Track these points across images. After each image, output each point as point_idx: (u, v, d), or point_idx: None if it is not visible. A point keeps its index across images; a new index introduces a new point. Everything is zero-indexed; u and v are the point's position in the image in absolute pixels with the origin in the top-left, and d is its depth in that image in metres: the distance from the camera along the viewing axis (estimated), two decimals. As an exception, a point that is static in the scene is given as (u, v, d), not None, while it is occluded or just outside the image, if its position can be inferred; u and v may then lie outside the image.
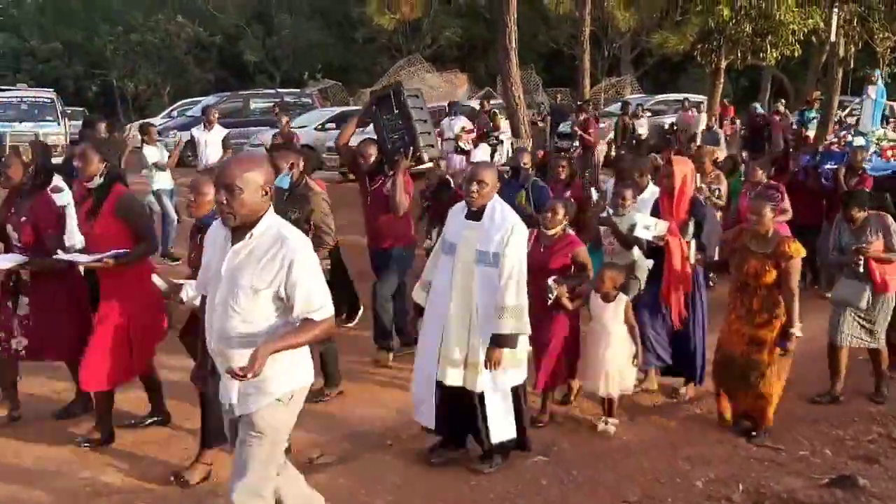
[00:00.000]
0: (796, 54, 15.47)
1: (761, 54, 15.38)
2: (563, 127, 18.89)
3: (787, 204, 8.30)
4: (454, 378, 4.73)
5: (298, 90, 26.98)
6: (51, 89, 21.62)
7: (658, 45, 16.22)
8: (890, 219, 6.21)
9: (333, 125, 19.26)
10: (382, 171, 6.71)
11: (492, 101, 18.46)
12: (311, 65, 36.21)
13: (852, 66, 20.40)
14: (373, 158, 6.75)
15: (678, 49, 15.99)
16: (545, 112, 20.84)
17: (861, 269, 6.05)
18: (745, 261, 5.40)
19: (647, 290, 6.05)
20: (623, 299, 5.59)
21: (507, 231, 4.62)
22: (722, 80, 17.21)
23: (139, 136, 11.61)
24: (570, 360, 5.68)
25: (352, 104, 25.64)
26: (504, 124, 16.35)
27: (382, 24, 15.82)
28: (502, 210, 4.73)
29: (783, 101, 22.56)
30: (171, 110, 25.53)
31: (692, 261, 5.80)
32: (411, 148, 6.45)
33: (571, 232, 5.90)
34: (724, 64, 16.09)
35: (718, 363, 5.65)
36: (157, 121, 23.02)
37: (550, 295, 5.33)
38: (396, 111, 6.45)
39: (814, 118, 18.22)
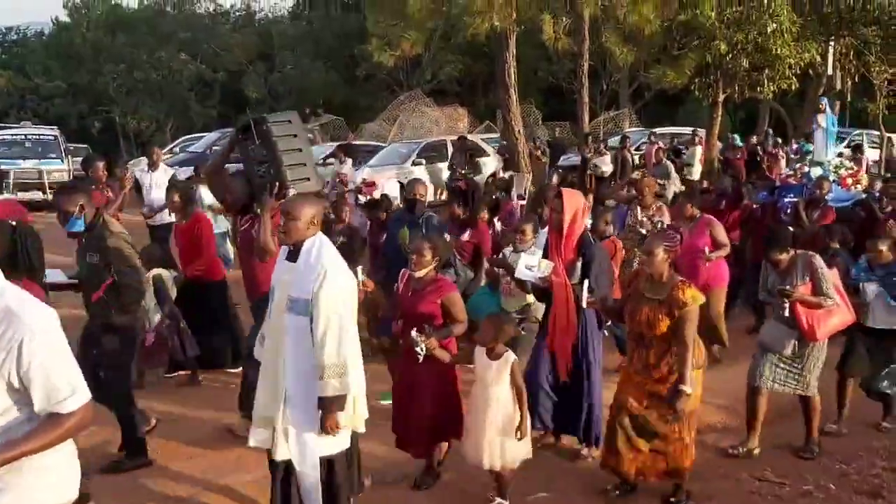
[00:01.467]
0: (793, 87, 15.60)
1: (758, 88, 15.50)
2: (563, 160, 19.05)
3: (723, 236, 7.61)
4: (266, 445, 4.22)
5: (300, 126, 27.14)
6: (54, 127, 21.85)
7: (656, 79, 16.35)
8: (819, 260, 5.70)
9: (333, 160, 19.43)
10: (252, 209, 5.83)
11: (479, 137, 18.63)
12: (312, 100, 36.52)
13: (849, 98, 20.60)
14: (240, 195, 5.83)
15: (676, 83, 16.10)
16: (542, 146, 21.00)
17: (787, 314, 5.54)
18: (638, 308, 4.81)
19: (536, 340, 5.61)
20: (510, 358, 4.81)
21: (321, 275, 4.01)
22: (720, 114, 17.35)
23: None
24: (451, 418, 5.05)
25: (352, 139, 25.85)
26: (490, 161, 16.46)
27: (383, 61, 15.96)
28: (319, 250, 4.13)
29: (771, 132, 22.70)
30: (174, 146, 25.72)
31: (584, 304, 5.16)
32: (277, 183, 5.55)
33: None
34: (721, 97, 16.24)
35: (611, 415, 5.05)
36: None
37: (419, 350, 4.70)
38: (259, 141, 5.61)
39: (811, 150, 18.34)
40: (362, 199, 12.80)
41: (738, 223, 9.35)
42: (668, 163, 15.79)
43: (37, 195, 17.98)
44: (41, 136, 20.03)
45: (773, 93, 16.00)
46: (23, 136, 19.97)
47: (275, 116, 5.81)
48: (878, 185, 10.95)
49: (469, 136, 20.10)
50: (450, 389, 5.08)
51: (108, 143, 36.85)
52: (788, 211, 9.37)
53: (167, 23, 40.05)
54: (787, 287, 5.54)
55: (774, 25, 14.45)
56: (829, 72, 18.28)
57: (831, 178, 10.33)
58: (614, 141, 19.97)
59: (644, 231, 8.24)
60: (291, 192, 5.39)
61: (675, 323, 4.64)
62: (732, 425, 6.19)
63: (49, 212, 17.63)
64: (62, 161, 18.97)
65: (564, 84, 30.22)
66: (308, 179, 5.67)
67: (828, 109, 12.12)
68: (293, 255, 4.18)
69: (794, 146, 20.72)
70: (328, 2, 40.59)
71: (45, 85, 37.98)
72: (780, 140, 20.31)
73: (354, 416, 4.22)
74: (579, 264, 5.37)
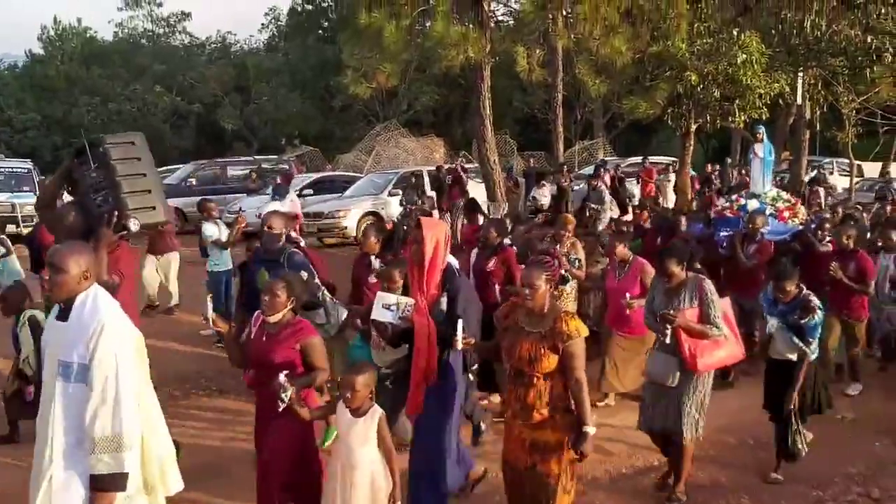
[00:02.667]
0: (764, 117, 15.81)
1: (730, 118, 15.72)
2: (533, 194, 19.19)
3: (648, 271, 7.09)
4: None
5: (276, 157, 27.26)
6: (28, 159, 21.71)
7: (629, 109, 16.58)
8: (709, 285, 5.34)
9: (311, 191, 19.49)
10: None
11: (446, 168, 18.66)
12: (288, 132, 36.60)
13: (819, 127, 20.95)
14: (75, 227, 4.96)
15: (649, 114, 16.30)
16: (515, 177, 21.17)
17: (668, 340, 5.18)
18: (516, 343, 4.30)
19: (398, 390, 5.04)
20: (377, 413, 4.24)
21: (95, 332, 3.47)
22: (692, 143, 17.54)
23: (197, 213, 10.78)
24: (304, 488, 4.50)
25: (329, 170, 25.92)
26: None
27: (359, 92, 16.04)
28: (94, 304, 3.58)
29: (730, 161, 22.92)
30: (149, 178, 25.62)
31: (458, 346, 4.49)
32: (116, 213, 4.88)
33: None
34: (693, 127, 16.45)
35: (506, 485, 4.53)
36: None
37: (283, 396, 4.13)
38: (95, 165, 4.94)
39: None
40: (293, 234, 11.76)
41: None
42: (604, 188, 15.88)
43: (10, 228, 17.89)
44: (15, 170, 19.89)
45: (744, 122, 16.20)
46: (-4, 169, 19.82)
47: (115, 137, 5.16)
48: (825, 216, 10.44)
49: (445, 167, 20.23)
50: (307, 450, 4.52)
51: (83, 176, 36.66)
52: (724, 245, 9.07)
53: (142, 55, 40.12)
54: (671, 311, 5.19)
55: (744, 57, 14.67)
56: (799, 101, 18.61)
57: (768, 211, 9.93)
58: (590, 170, 20.22)
59: (563, 270, 7.70)
60: (132, 223, 4.86)
61: (562, 359, 4.19)
62: (699, 454, 6.20)
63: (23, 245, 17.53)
64: (35, 194, 18.84)
65: (539, 114, 30.54)
66: (153, 209, 5.04)
67: (765, 138, 11.32)
68: (64, 313, 3.62)
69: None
70: (304, 34, 40.92)
71: (19, 117, 37.79)
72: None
73: (163, 478, 3.75)
74: (444, 300, 4.78)
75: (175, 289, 11.08)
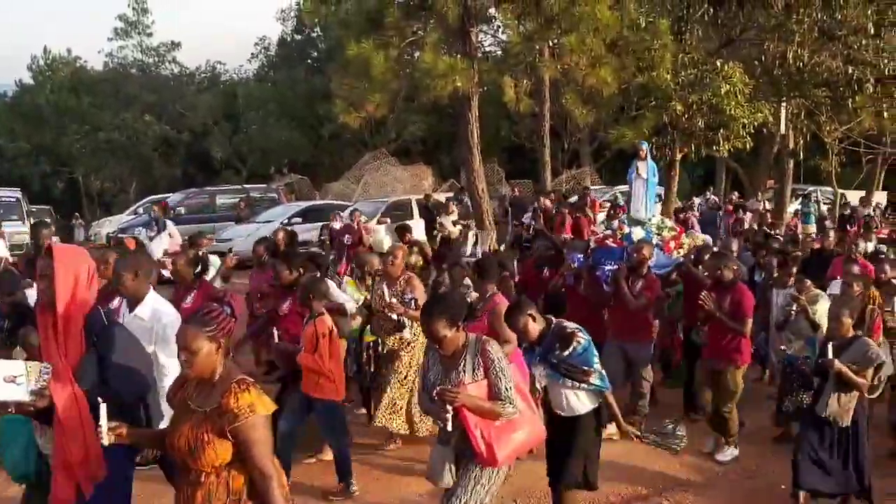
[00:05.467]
0: (748, 146, 16.05)
1: (714, 147, 15.92)
2: (526, 218, 19.29)
3: (505, 333, 5.35)
4: None
5: (265, 185, 27.37)
6: (17, 188, 21.80)
7: (615, 139, 16.79)
8: (495, 349, 4.04)
9: (300, 220, 19.57)
10: None
11: (443, 196, 18.60)
12: (277, 160, 36.73)
13: (802, 156, 21.23)
14: None
15: (634, 143, 16.49)
16: (506, 206, 21.30)
17: (449, 427, 3.87)
18: (177, 427, 3.15)
19: None
20: None
21: None
22: (677, 172, 17.75)
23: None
24: None
25: (318, 198, 26.03)
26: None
27: (348, 122, 16.17)
28: None
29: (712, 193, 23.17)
30: (137, 207, 25.66)
31: (105, 441, 3.15)
32: None
33: None
34: (679, 156, 16.64)
35: None
36: (123, 218, 23.19)
37: None
38: None
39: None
40: (166, 273, 9.92)
41: (545, 286, 8.19)
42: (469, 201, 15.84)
43: (-4, 257, 17.90)
44: (3, 198, 19.97)
45: (728, 151, 16.42)
46: (-16, 198, 19.89)
47: None
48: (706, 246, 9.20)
49: (434, 195, 20.38)
50: None
51: (71, 204, 36.63)
52: (608, 280, 7.73)
53: (132, 84, 40.29)
54: (450, 387, 3.89)
55: (728, 87, 14.91)
56: (782, 131, 18.87)
57: (654, 240, 8.77)
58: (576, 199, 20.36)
59: (395, 316, 6.38)
60: None
61: (236, 446, 3.05)
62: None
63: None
64: (24, 223, 18.90)
65: (527, 143, 30.77)
66: None
67: (648, 156, 9.75)
68: None
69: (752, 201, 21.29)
70: (293, 64, 41.20)
71: (8, 146, 37.83)
72: (730, 196, 20.77)
73: None
74: (95, 359, 3.51)
75: None
